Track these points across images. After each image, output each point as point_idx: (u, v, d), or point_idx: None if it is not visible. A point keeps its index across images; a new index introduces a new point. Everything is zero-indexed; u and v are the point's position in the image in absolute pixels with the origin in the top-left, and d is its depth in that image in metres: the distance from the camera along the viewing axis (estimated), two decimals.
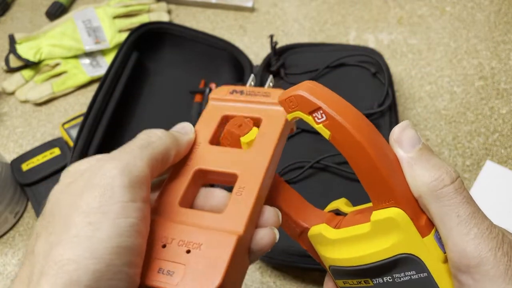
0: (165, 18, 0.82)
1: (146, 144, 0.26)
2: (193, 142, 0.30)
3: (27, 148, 0.68)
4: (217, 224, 0.25)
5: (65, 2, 0.84)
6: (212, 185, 0.30)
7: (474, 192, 0.59)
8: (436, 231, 0.25)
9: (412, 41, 0.76)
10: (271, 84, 0.34)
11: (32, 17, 0.86)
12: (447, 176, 0.24)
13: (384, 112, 0.60)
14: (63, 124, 0.66)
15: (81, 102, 0.73)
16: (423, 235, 0.25)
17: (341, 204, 0.31)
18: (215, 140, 0.31)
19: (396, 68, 0.73)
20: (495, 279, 0.22)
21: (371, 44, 0.76)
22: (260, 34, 0.80)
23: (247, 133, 0.29)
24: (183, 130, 0.29)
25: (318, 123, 0.25)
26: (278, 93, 0.31)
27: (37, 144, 0.67)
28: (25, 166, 0.62)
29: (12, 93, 0.75)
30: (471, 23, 0.78)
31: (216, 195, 0.28)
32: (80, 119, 0.66)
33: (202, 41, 0.70)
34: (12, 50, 0.75)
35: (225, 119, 0.31)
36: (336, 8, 0.83)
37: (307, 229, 0.30)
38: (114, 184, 0.22)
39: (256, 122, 0.31)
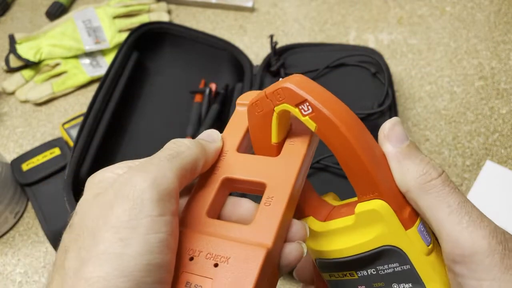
0: (165, 18, 0.82)
1: (175, 154, 0.25)
2: (221, 150, 0.29)
3: (27, 148, 0.68)
4: (245, 236, 0.25)
5: (65, 2, 0.84)
6: (243, 195, 0.30)
7: (474, 192, 0.59)
8: (420, 223, 0.26)
9: (412, 41, 0.76)
10: None
11: (32, 17, 0.86)
12: (434, 170, 0.25)
13: (384, 112, 0.60)
14: (63, 124, 0.66)
15: (81, 102, 0.73)
16: (406, 227, 0.25)
17: (328, 198, 0.31)
18: (243, 148, 0.30)
19: (396, 68, 0.73)
20: (490, 268, 0.22)
21: (371, 44, 0.76)
22: (260, 34, 0.80)
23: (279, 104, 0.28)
24: (210, 138, 0.28)
25: (304, 115, 0.26)
26: None
27: (37, 144, 0.67)
28: (25, 166, 0.62)
29: (12, 93, 0.75)
30: (471, 23, 0.78)
31: (243, 204, 0.27)
32: (80, 119, 0.66)
33: (202, 41, 0.70)
34: (12, 50, 0.75)
35: None
36: (336, 8, 0.83)
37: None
38: (144, 197, 0.22)
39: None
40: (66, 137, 0.65)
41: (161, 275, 0.21)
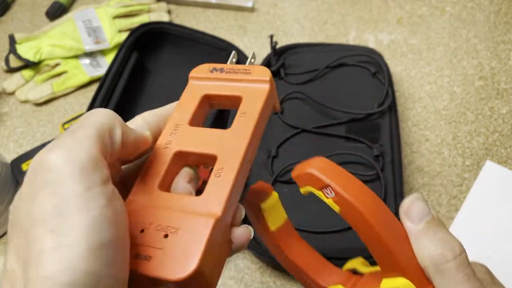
0: (165, 18, 0.82)
1: (87, 121, 0.22)
2: (174, 124, 0.29)
3: (27, 148, 0.68)
4: (196, 207, 0.25)
5: (65, 2, 0.84)
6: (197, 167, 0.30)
7: (474, 192, 0.59)
8: None
9: (412, 41, 0.76)
10: (253, 60, 0.33)
11: (32, 17, 0.86)
12: (450, 252, 0.24)
13: (384, 112, 0.60)
14: (63, 124, 0.66)
15: (81, 102, 0.73)
16: None
17: (358, 263, 0.32)
18: (196, 121, 0.30)
19: (396, 68, 0.73)
20: None
21: (371, 44, 0.76)
22: (260, 34, 0.80)
23: (267, 199, 0.31)
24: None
25: (328, 198, 0.27)
26: (259, 70, 0.30)
27: (37, 144, 0.67)
28: (25, 166, 0.62)
29: (12, 93, 0.75)
30: (471, 23, 0.78)
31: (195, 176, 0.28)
32: None
33: (202, 41, 0.70)
34: (12, 50, 0.75)
35: (205, 99, 0.31)
36: (336, 8, 0.83)
37: None
38: (63, 175, 0.19)
39: (237, 101, 0.30)
40: None
41: (109, 256, 0.19)
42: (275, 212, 0.30)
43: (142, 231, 0.24)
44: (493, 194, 0.59)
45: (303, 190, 0.29)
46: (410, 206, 0.26)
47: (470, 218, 0.57)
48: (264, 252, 0.52)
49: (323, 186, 0.27)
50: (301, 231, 0.53)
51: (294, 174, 0.29)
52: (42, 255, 0.19)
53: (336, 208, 0.27)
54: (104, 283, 0.19)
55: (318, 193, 0.28)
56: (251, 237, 0.27)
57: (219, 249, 0.25)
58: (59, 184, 0.19)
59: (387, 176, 0.55)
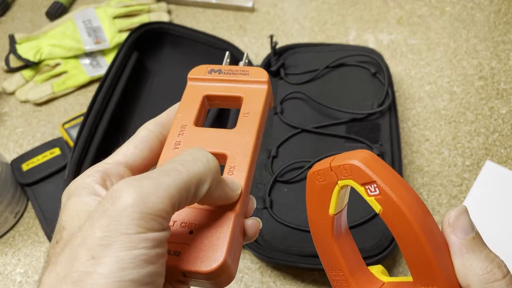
0: (165, 18, 0.82)
1: (181, 169, 0.23)
2: (180, 125, 0.30)
3: (27, 148, 0.68)
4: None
5: (65, 2, 0.85)
6: None
7: (474, 192, 0.59)
8: None
9: (412, 41, 0.76)
10: (246, 61, 0.34)
11: (32, 17, 0.86)
12: (499, 271, 0.24)
13: (384, 112, 0.60)
14: (63, 124, 0.66)
15: (81, 102, 0.73)
16: None
17: (377, 272, 0.30)
18: (200, 121, 0.31)
19: (396, 68, 0.73)
20: None
21: (371, 44, 0.76)
22: (260, 34, 0.80)
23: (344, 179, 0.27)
24: (235, 187, 0.27)
25: (370, 196, 0.25)
26: (256, 71, 0.31)
27: (37, 144, 0.67)
28: (25, 166, 0.62)
29: (12, 93, 0.75)
30: (470, 23, 0.78)
31: None
32: (80, 119, 0.66)
33: (202, 41, 0.70)
34: (12, 50, 0.75)
35: (206, 99, 0.32)
36: (336, 8, 0.83)
37: None
38: (123, 214, 0.21)
39: (237, 101, 0.31)
40: (66, 137, 0.65)
41: None
42: (344, 195, 0.28)
43: None
44: (493, 194, 0.59)
45: (341, 183, 0.26)
46: (457, 218, 0.25)
47: (470, 218, 0.57)
48: (264, 252, 0.52)
49: (368, 182, 0.25)
50: (302, 231, 0.53)
51: (334, 163, 0.26)
52: (76, 276, 0.20)
53: (377, 207, 0.25)
54: None
55: (360, 189, 0.25)
56: (260, 227, 0.28)
57: (237, 241, 0.26)
58: (117, 219, 0.21)
59: None
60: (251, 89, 0.31)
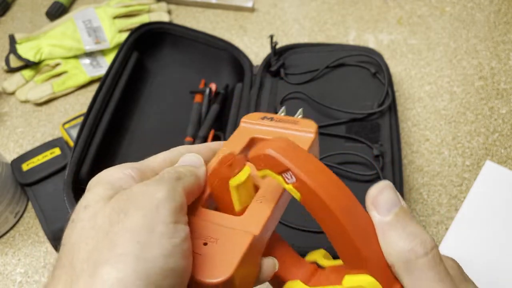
0: (165, 18, 0.82)
1: (178, 176, 0.26)
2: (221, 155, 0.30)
3: (28, 148, 0.68)
4: (235, 224, 0.26)
5: (65, 2, 0.85)
6: None
7: (474, 192, 0.59)
8: None
9: (412, 41, 0.76)
10: (300, 115, 0.35)
11: (32, 17, 0.86)
12: (421, 247, 0.22)
13: (384, 112, 0.60)
14: (63, 124, 0.66)
15: (81, 102, 0.73)
16: None
17: (319, 256, 0.30)
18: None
19: (396, 68, 0.73)
20: None
21: (371, 44, 0.76)
22: (260, 34, 0.80)
23: (237, 174, 0.27)
24: (196, 163, 0.29)
25: (288, 184, 0.25)
26: (306, 122, 0.32)
27: (37, 144, 0.67)
28: (25, 166, 0.62)
29: (13, 93, 0.75)
30: (470, 23, 0.78)
31: None
32: (80, 119, 0.66)
33: (202, 41, 0.70)
34: (13, 50, 0.75)
35: (252, 140, 0.33)
36: (336, 8, 0.83)
37: (284, 283, 0.29)
38: (160, 206, 0.23)
39: None
40: (66, 137, 0.65)
41: (175, 280, 0.22)
42: (245, 189, 0.27)
43: None
44: (493, 194, 0.59)
45: (261, 173, 0.25)
46: (378, 195, 0.24)
47: (470, 218, 0.57)
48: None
49: (283, 170, 0.24)
50: (302, 231, 0.53)
51: (251, 155, 0.26)
52: (123, 259, 0.21)
53: (296, 195, 0.24)
54: None
55: (278, 178, 0.25)
56: (276, 270, 0.28)
57: (248, 270, 0.26)
58: (155, 210, 0.22)
59: (387, 176, 0.55)
60: (297, 136, 0.31)
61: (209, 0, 0.84)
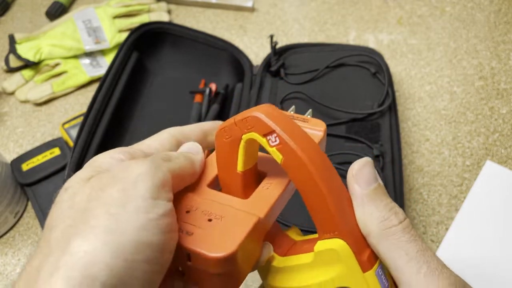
0: (165, 18, 0.82)
1: (168, 158, 0.26)
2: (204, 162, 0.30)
3: (27, 148, 0.68)
4: (241, 206, 0.27)
5: (65, 2, 0.84)
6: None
7: (474, 192, 0.59)
8: (379, 267, 0.25)
9: (412, 41, 0.76)
10: (309, 115, 0.35)
11: (32, 17, 0.86)
12: (395, 217, 0.25)
13: (384, 112, 0.60)
14: (63, 124, 0.66)
15: (81, 102, 0.73)
16: (364, 269, 0.25)
17: (291, 233, 0.31)
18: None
19: (396, 68, 0.73)
20: None
21: (371, 44, 0.76)
22: (260, 34, 0.80)
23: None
24: (194, 150, 0.29)
25: (271, 146, 0.26)
26: (316, 121, 0.32)
27: (37, 144, 0.67)
28: (25, 166, 0.62)
29: (12, 93, 0.75)
30: (471, 23, 0.78)
31: None
32: (80, 119, 0.66)
33: (202, 41, 0.70)
34: (12, 50, 0.75)
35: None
36: (336, 8, 0.83)
37: None
38: (138, 180, 0.23)
39: None
40: (66, 137, 0.65)
41: (150, 254, 0.22)
42: (251, 149, 0.28)
43: (187, 211, 0.26)
44: (493, 194, 0.59)
45: (245, 137, 0.27)
46: (360, 170, 0.26)
47: (470, 218, 0.57)
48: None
49: (268, 133, 0.25)
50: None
51: (238, 118, 0.27)
52: (94, 231, 0.21)
53: (278, 157, 0.25)
54: (139, 275, 0.21)
55: (262, 141, 0.26)
56: (271, 254, 0.28)
57: (250, 251, 0.26)
58: (132, 184, 0.22)
59: (387, 176, 0.55)
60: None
61: (209, 0, 0.84)
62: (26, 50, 0.74)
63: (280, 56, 0.68)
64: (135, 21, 0.79)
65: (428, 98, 0.69)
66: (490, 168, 0.61)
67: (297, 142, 0.25)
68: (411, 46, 0.76)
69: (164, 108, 0.67)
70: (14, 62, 0.75)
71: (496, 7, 0.80)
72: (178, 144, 0.30)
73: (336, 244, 0.25)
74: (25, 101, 0.73)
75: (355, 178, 0.26)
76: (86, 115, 0.58)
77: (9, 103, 0.74)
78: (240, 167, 0.28)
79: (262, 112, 0.26)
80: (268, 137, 0.26)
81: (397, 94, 0.69)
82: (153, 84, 0.69)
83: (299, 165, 0.25)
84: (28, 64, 0.75)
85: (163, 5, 0.83)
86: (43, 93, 0.72)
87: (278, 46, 0.67)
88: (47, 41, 0.75)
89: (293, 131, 0.26)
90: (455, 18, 0.79)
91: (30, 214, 0.62)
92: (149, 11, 0.82)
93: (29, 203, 0.62)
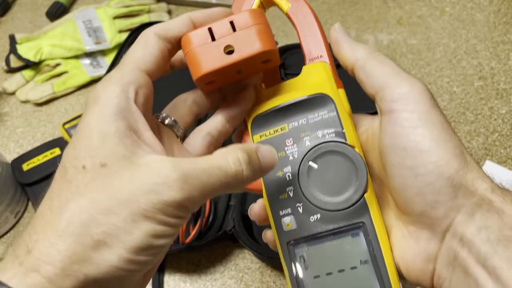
0: (165, 18, 0.82)
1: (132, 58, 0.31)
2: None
3: (28, 148, 0.68)
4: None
5: (66, 2, 0.85)
6: None
7: None
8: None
9: (411, 41, 0.77)
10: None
11: (32, 17, 0.86)
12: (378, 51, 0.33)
13: None
14: (64, 124, 0.67)
15: (82, 102, 0.73)
16: (338, 86, 0.33)
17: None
18: None
19: None
20: (422, 101, 0.31)
21: (371, 44, 0.76)
22: None
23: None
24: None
25: None
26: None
27: (37, 144, 0.68)
28: (25, 166, 0.62)
29: (13, 93, 0.75)
30: (470, 23, 0.78)
31: None
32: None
33: None
34: (13, 50, 0.75)
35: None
36: (336, 8, 0.83)
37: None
38: (109, 90, 0.29)
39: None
40: (66, 137, 0.65)
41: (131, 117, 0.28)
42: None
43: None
44: None
45: None
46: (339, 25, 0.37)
47: None
48: (264, 252, 0.52)
49: None
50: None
51: None
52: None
53: (286, 5, 0.37)
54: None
55: None
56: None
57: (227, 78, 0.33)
58: (103, 95, 0.28)
59: None
60: None
61: (209, 0, 0.84)
62: (27, 50, 0.75)
63: (280, 56, 0.68)
64: (136, 22, 0.79)
65: None
66: (489, 168, 0.61)
67: None
68: (411, 46, 0.76)
69: (164, 107, 0.67)
70: (14, 62, 0.75)
71: (496, 7, 0.80)
72: (168, 48, 0.32)
73: (321, 63, 0.33)
74: (25, 101, 0.74)
75: (337, 30, 0.36)
76: None
77: (9, 103, 0.74)
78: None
79: None
80: None
81: None
82: (153, 84, 0.69)
83: (303, 12, 0.36)
84: (28, 64, 0.75)
85: (163, 5, 0.84)
86: (43, 93, 0.72)
87: (278, 46, 0.67)
88: (48, 41, 0.75)
89: None
90: (454, 18, 0.79)
91: (30, 214, 0.62)
92: (149, 11, 0.82)
93: (30, 203, 0.63)
